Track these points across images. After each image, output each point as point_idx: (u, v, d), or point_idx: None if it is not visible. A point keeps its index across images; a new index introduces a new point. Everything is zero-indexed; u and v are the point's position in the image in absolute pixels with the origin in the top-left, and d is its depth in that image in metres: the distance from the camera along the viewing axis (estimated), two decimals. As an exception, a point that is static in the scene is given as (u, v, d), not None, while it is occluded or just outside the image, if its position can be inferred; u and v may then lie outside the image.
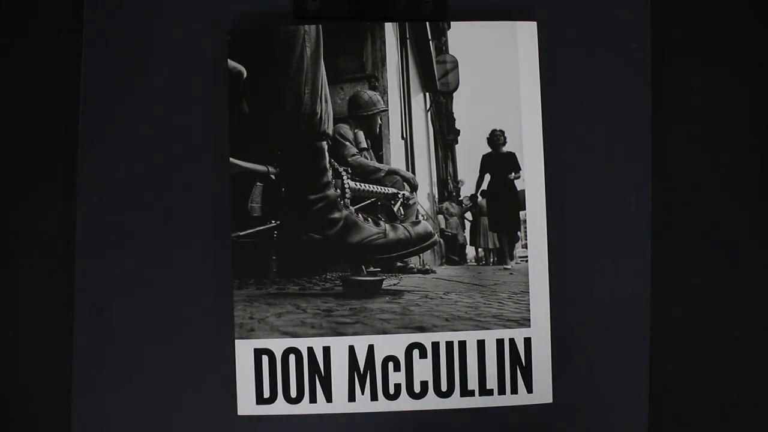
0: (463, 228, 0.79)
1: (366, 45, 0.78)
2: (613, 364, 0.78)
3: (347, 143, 0.78)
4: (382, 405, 0.76)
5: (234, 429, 0.76)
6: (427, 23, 0.78)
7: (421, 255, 0.79)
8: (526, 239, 0.77)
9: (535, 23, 0.78)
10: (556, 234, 0.77)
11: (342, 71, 0.78)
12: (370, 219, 0.79)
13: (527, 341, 0.76)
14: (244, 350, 0.75)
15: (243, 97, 0.76)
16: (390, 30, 0.78)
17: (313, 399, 0.76)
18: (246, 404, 0.75)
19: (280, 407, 0.76)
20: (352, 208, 0.78)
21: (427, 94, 0.79)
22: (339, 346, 0.76)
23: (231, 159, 0.76)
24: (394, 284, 0.78)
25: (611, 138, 0.79)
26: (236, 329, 0.75)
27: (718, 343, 0.82)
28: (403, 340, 0.76)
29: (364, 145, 0.79)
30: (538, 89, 0.77)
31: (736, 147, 0.83)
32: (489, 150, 0.78)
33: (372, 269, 0.78)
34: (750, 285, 0.83)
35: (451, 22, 0.78)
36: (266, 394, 0.75)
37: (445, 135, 0.79)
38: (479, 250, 0.79)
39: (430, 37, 0.78)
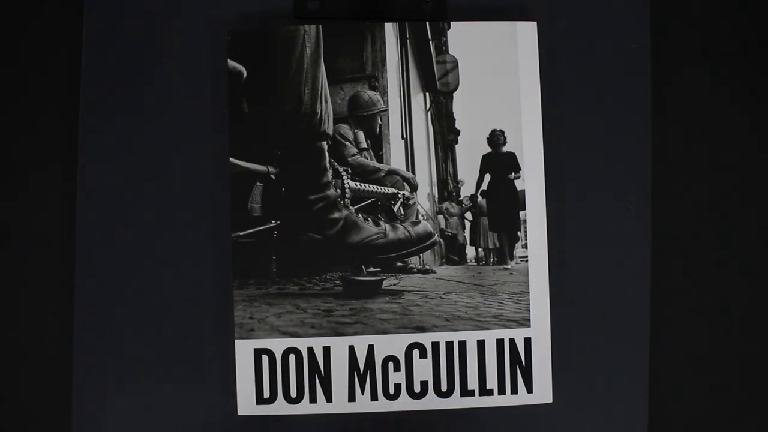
0: (463, 228, 0.79)
1: (366, 45, 0.78)
2: (613, 364, 0.78)
3: (347, 143, 0.78)
4: (382, 405, 0.76)
5: (234, 429, 0.76)
6: (427, 23, 0.78)
7: (421, 255, 0.79)
8: (526, 239, 0.77)
9: (535, 23, 0.78)
10: (556, 234, 0.77)
11: (342, 71, 0.78)
12: (370, 219, 0.79)
13: (527, 341, 0.76)
14: (244, 350, 0.75)
15: (243, 97, 0.76)
16: (390, 30, 0.78)
17: (313, 399, 0.76)
18: (246, 404, 0.75)
19: (280, 407, 0.76)
20: (352, 208, 0.78)
21: (427, 94, 0.79)
22: (339, 346, 0.76)
23: (231, 159, 0.76)
24: (394, 284, 0.78)
25: (611, 138, 0.79)
26: (236, 329, 0.75)
27: (718, 343, 0.82)
28: (403, 340, 0.76)
29: (364, 145, 0.79)
30: (538, 89, 0.77)
31: (736, 147, 0.83)
32: (489, 150, 0.78)
33: (372, 269, 0.78)
34: (750, 285, 0.83)
35: (451, 22, 0.78)
36: (266, 394, 0.75)
37: (445, 135, 0.78)
38: (479, 250, 0.79)
39: (430, 37, 0.78)
